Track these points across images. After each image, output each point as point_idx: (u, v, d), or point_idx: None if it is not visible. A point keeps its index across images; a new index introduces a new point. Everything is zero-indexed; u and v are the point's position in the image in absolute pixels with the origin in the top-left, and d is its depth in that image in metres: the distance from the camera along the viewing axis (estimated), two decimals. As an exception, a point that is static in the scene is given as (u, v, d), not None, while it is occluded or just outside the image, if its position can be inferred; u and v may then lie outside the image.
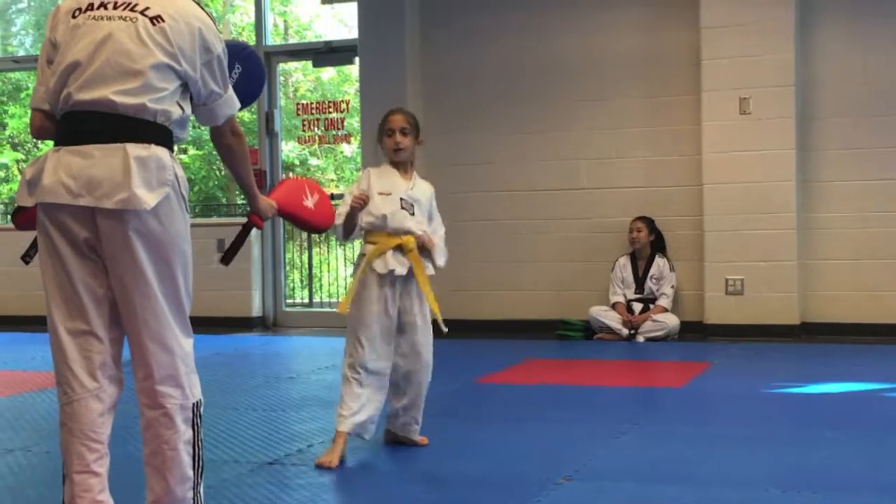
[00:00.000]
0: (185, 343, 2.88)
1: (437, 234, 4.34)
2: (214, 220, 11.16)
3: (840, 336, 7.74)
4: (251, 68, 3.46)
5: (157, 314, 2.82)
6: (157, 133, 2.82)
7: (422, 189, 4.36)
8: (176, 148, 2.93)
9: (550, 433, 4.57)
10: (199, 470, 2.90)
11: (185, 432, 2.84)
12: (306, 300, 10.68)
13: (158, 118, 2.81)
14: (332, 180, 15.05)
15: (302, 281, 11.25)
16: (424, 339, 4.28)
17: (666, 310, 8.02)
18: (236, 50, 3.32)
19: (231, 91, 3.05)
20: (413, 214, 4.26)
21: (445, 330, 4.28)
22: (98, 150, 2.75)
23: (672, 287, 8.09)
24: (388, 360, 4.20)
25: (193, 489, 2.88)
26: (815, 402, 5.33)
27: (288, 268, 10.60)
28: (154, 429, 2.83)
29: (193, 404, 2.88)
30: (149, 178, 2.75)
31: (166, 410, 2.82)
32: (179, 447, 2.83)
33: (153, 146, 2.79)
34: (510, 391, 5.84)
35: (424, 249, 4.25)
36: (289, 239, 10.53)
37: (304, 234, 10.52)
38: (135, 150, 2.75)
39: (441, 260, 4.32)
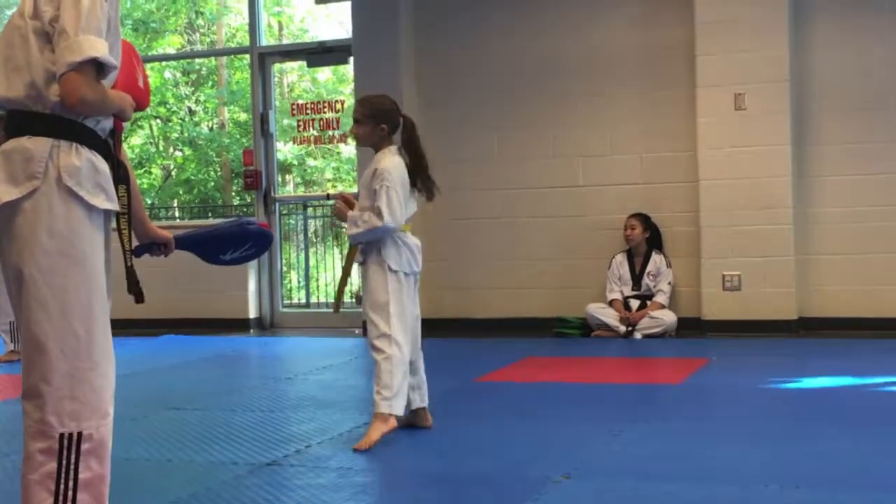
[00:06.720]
0: (60, 362, 2.63)
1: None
2: (211, 221, 11.15)
3: (838, 331, 7.72)
4: (261, 247, 3.53)
5: (30, 318, 2.62)
6: (33, 123, 2.63)
7: (367, 172, 4.50)
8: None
9: (549, 431, 4.57)
10: None
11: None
12: (303, 301, 10.67)
13: (33, 107, 2.63)
14: (329, 180, 15.03)
15: (299, 282, 11.24)
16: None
17: (663, 306, 8.02)
18: (257, 233, 3.45)
19: (86, 37, 2.52)
20: (352, 207, 4.51)
21: (335, 312, 4.73)
22: None
23: (669, 283, 8.08)
24: None
25: None
26: (813, 397, 5.32)
27: (285, 268, 10.59)
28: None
29: (62, 434, 2.68)
30: (13, 172, 2.61)
31: (32, 423, 2.71)
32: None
33: (23, 138, 2.62)
34: (509, 389, 5.83)
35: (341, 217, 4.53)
36: (285, 240, 10.52)
37: (301, 235, 10.51)
38: (5, 145, 2.65)
39: (353, 230, 4.44)
